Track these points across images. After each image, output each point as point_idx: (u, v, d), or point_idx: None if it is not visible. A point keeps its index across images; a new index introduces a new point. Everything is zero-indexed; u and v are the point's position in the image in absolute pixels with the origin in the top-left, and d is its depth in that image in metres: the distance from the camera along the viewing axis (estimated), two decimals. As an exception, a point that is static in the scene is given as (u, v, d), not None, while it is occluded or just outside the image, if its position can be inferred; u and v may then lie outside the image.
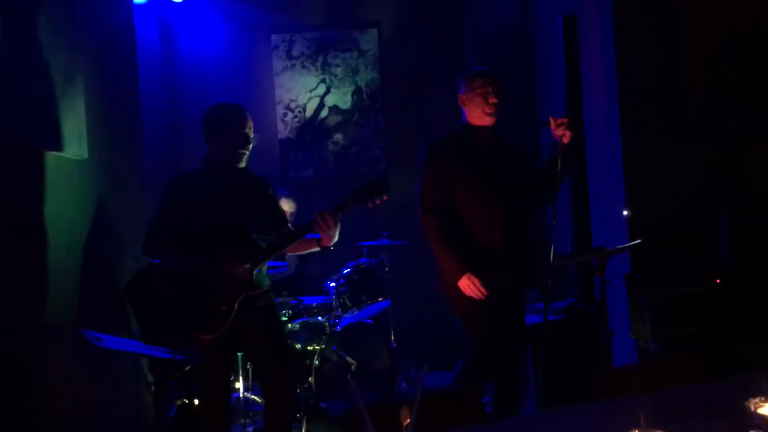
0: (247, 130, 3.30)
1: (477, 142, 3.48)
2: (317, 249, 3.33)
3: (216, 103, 3.40)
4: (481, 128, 3.48)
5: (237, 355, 3.39)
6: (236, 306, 3.15)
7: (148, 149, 5.01)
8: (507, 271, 3.40)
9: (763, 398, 1.58)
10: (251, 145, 3.34)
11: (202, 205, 3.24)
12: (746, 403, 1.59)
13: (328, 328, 4.71)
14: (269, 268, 3.57)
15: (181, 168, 6.04)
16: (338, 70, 6.21)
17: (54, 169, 3.40)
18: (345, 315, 4.76)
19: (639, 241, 3.60)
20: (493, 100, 3.41)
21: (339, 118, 6.23)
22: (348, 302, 4.78)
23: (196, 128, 6.01)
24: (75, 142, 3.53)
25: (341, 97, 6.22)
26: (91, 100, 3.77)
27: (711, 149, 4.12)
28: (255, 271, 3.21)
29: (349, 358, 4.60)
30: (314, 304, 4.83)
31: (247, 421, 4.54)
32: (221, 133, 3.29)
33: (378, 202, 3.12)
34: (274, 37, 6.19)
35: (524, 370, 3.55)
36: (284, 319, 4.77)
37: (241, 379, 4.56)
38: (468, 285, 3.32)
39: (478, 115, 3.45)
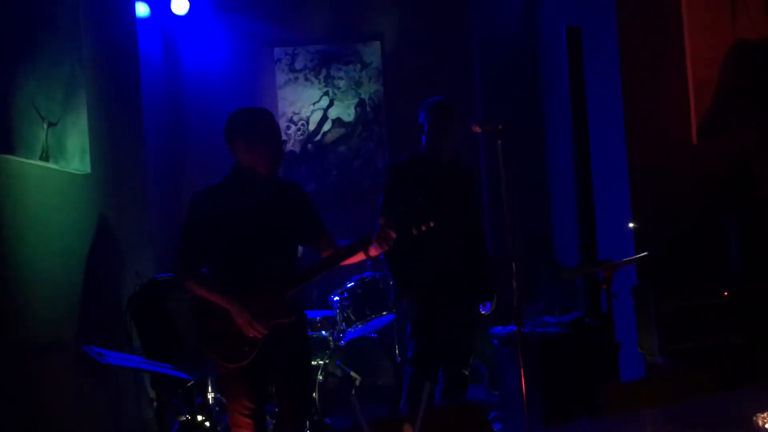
0: (280, 135, 3.12)
1: (433, 166, 3.82)
2: (363, 258, 3.08)
3: (240, 108, 3.10)
4: (438, 154, 3.82)
5: (267, 381, 3.14)
6: (266, 334, 2.92)
7: (151, 163, 5.02)
8: (450, 285, 3.78)
9: (773, 414, 1.55)
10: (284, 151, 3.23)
11: (233, 220, 2.99)
12: (754, 418, 1.56)
13: (331, 343, 4.68)
14: None
15: (183, 181, 6.08)
16: (341, 83, 6.22)
17: (56, 183, 3.40)
18: (349, 329, 4.73)
19: (645, 253, 3.57)
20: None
21: (342, 130, 6.23)
22: (352, 316, 4.75)
23: (199, 141, 6.09)
24: (78, 156, 3.53)
25: (344, 110, 6.22)
26: (94, 114, 3.77)
27: (718, 160, 4.10)
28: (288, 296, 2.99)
29: (353, 373, 4.57)
30: (318, 318, 4.80)
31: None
32: (253, 140, 3.01)
33: (423, 228, 2.96)
34: (276, 50, 6.21)
35: (463, 366, 3.89)
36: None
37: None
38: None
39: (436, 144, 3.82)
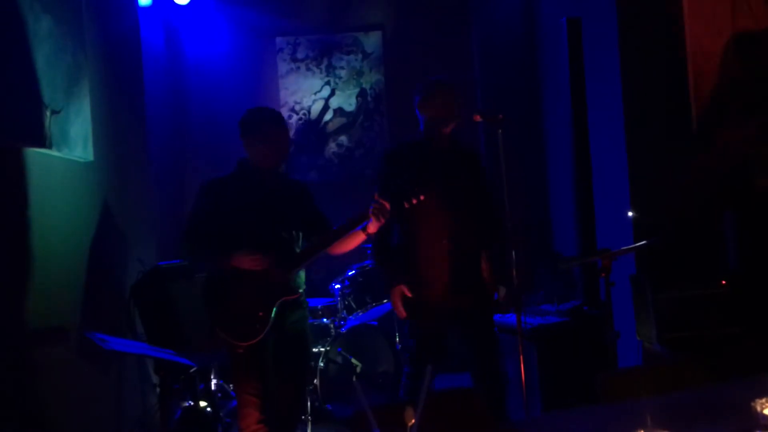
0: (286, 136, 3.26)
1: (433, 150, 3.58)
2: (364, 239, 3.21)
3: (255, 108, 3.30)
4: (439, 136, 3.59)
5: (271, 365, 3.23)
6: (274, 311, 3.08)
7: (154, 151, 5.03)
8: (449, 280, 3.48)
9: (768, 399, 1.57)
10: (289, 151, 3.30)
11: (239, 211, 3.18)
12: (752, 404, 1.59)
13: (333, 330, 4.72)
14: None
15: (185, 169, 6.09)
16: (343, 73, 6.22)
17: (60, 171, 3.41)
18: (350, 317, 4.76)
19: (644, 242, 3.59)
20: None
21: (343, 120, 6.24)
22: (353, 304, 4.79)
23: (201, 130, 6.10)
24: (81, 144, 3.54)
25: (346, 100, 6.23)
26: (97, 103, 3.79)
27: (716, 151, 4.11)
28: (293, 275, 3.13)
29: (353, 360, 4.61)
30: (319, 306, 4.83)
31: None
32: (261, 138, 3.21)
33: (414, 201, 3.05)
34: (278, 39, 6.21)
35: (496, 368, 3.57)
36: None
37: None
38: (395, 301, 3.53)
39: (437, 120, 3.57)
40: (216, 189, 3.23)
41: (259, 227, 3.17)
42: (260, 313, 3.06)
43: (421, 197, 3.04)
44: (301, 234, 3.32)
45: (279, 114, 3.31)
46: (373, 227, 3.10)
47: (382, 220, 3.07)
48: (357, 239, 3.21)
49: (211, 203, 3.20)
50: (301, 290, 3.28)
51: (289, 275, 3.11)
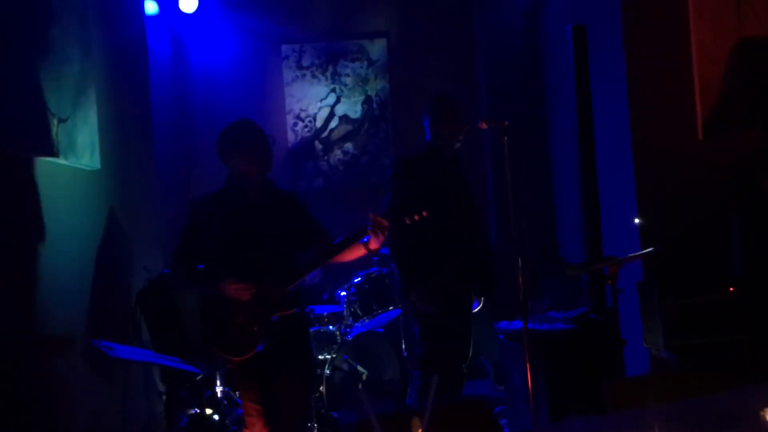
0: (261, 146, 3.22)
1: (442, 160, 3.85)
2: (365, 253, 3.18)
3: (230, 124, 3.29)
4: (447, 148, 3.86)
5: (273, 376, 3.16)
6: (269, 326, 3.04)
7: (160, 159, 5.04)
8: (458, 281, 3.79)
9: (777, 408, 1.56)
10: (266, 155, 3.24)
11: (228, 227, 3.14)
12: (761, 413, 1.58)
13: (339, 338, 4.71)
14: None
15: (191, 178, 6.10)
16: (348, 80, 6.24)
17: (67, 180, 3.43)
18: (356, 324, 4.76)
19: (651, 249, 3.58)
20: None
21: (349, 127, 6.25)
22: (359, 311, 4.78)
23: (207, 138, 6.08)
24: (87, 152, 3.56)
25: (351, 107, 6.24)
26: (104, 111, 3.80)
27: (723, 157, 4.10)
28: (289, 290, 3.09)
29: (359, 368, 4.60)
30: (325, 314, 4.83)
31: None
32: (236, 152, 3.21)
33: (416, 218, 3.04)
34: (284, 47, 6.23)
35: (463, 362, 3.87)
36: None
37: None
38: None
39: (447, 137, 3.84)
40: (204, 206, 3.20)
41: (249, 242, 3.12)
42: (254, 328, 3.03)
43: (423, 213, 3.05)
44: (294, 246, 3.26)
45: (247, 124, 3.27)
46: (374, 243, 3.09)
47: (381, 237, 3.06)
48: (357, 252, 3.18)
49: (199, 220, 3.16)
50: (299, 305, 3.22)
51: (284, 291, 3.07)
